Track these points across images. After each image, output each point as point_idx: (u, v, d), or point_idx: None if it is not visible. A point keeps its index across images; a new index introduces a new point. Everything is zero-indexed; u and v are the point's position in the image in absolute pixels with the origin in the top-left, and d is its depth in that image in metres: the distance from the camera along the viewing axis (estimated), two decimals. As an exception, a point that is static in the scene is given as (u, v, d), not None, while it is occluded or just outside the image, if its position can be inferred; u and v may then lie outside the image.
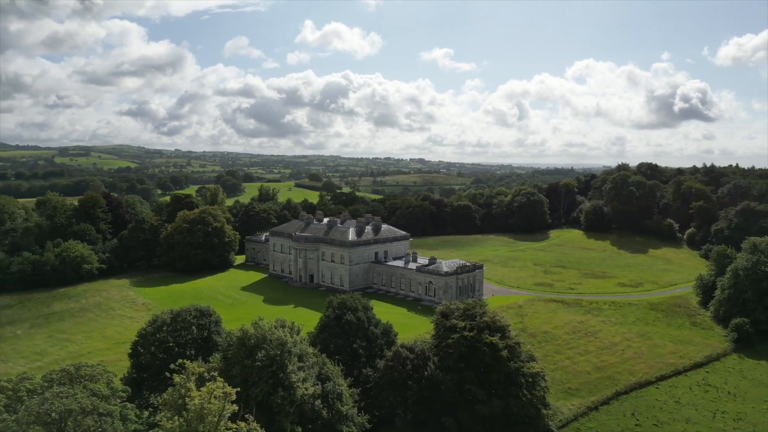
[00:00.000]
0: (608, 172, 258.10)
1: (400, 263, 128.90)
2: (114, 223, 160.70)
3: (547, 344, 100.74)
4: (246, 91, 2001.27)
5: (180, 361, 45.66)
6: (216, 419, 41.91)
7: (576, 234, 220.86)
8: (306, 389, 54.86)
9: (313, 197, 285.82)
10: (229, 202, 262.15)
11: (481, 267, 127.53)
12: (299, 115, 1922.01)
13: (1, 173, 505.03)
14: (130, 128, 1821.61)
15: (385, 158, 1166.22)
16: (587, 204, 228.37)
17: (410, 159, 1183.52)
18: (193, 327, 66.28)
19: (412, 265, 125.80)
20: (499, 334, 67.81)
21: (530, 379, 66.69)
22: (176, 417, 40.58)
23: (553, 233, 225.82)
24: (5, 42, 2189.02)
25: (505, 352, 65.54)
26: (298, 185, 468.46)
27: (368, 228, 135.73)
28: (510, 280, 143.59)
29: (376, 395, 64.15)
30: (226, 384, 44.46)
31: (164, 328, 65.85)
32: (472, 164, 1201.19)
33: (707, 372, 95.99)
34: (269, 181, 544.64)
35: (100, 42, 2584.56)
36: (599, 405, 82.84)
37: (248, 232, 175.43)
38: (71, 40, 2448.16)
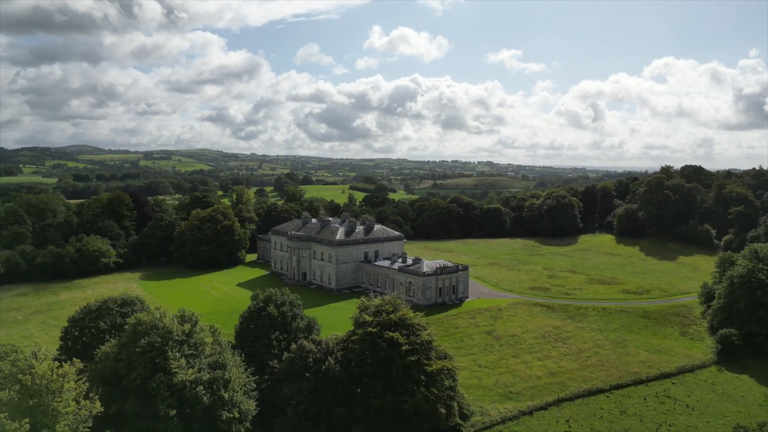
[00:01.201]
0: (649, 175, 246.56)
1: (386, 263, 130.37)
2: (139, 220, 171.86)
3: (509, 348, 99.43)
4: (317, 97, 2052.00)
5: (32, 340, 50.25)
6: (55, 395, 46.02)
7: (606, 239, 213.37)
8: (186, 375, 58.27)
9: (359, 198, 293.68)
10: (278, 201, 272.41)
11: (466, 269, 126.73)
12: (368, 119, 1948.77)
13: (84, 175, 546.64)
14: (211, 133, 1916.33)
15: (452, 161, 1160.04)
16: (620, 208, 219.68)
17: (478, 162, 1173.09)
18: (115, 314, 71.62)
19: (396, 265, 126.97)
20: (405, 331, 68.59)
21: (433, 377, 66.90)
22: (8, 389, 45.08)
23: (583, 238, 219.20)
24: (100, 55, 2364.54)
25: (405, 347, 66.29)
26: (352, 187, 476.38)
27: (359, 228, 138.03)
28: (506, 283, 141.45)
29: (276, 386, 66.75)
30: (73, 364, 48.68)
31: (90, 315, 71.56)
32: (543, 167, 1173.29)
33: (673, 383, 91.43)
34: (328, 183, 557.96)
35: (183, 53, 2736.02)
36: (535, 410, 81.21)
37: (269, 231, 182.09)
38: (158, 51, 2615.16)
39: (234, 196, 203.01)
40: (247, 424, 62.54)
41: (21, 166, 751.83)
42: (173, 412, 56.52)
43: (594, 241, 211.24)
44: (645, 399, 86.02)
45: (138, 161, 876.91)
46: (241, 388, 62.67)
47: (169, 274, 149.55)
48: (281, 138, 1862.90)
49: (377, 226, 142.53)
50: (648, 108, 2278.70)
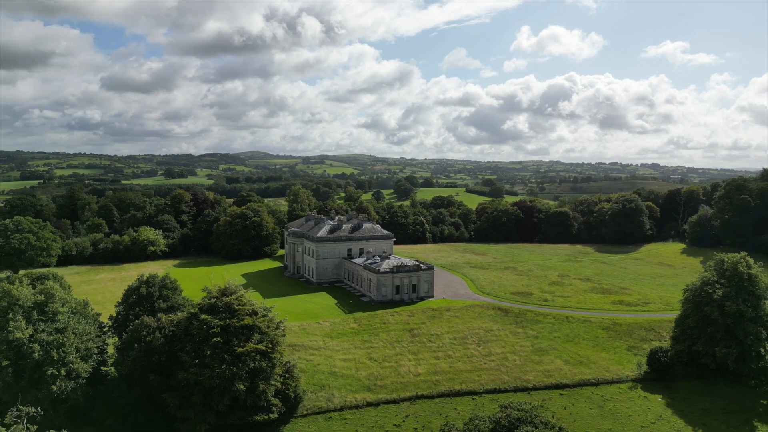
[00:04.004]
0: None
1: (359, 261, 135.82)
2: (196, 215, 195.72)
3: (417, 345, 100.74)
4: (465, 100, 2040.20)
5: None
6: None
7: (673, 248, 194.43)
8: (22, 334, 72.35)
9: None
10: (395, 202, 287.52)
11: (430, 268, 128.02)
12: (519, 121, 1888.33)
13: (234, 177, 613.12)
14: (366, 138, 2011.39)
15: (611, 163, 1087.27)
16: (695, 215, 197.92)
17: (641, 164, 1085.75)
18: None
19: (363, 263, 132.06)
20: (224, 315, 76.26)
21: (240, 357, 73.66)
22: None
23: (649, 246, 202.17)
24: (271, 71, 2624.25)
25: (214, 329, 74.03)
26: (468, 190, 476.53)
27: (346, 226, 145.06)
28: (492, 287, 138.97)
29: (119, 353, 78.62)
30: None
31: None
32: (721, 170, 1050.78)
33: (561, 394, 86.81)
34: (447, 186, 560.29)
35: (341, 65, 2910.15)
36: (385, 403, 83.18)
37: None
38: (319, 65, 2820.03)
39: (291, 196, 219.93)
40: (82, 382, 74.97)
41: (197, 169, 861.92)
42: (6, 363, 70.77)
43: (656, 251, 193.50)
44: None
45: (295, 165, 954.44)
46: (76, 352, 75.32)
47: (201, 262, 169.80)
48: (431, 142, 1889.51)
49: (366, 225, 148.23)
50: None
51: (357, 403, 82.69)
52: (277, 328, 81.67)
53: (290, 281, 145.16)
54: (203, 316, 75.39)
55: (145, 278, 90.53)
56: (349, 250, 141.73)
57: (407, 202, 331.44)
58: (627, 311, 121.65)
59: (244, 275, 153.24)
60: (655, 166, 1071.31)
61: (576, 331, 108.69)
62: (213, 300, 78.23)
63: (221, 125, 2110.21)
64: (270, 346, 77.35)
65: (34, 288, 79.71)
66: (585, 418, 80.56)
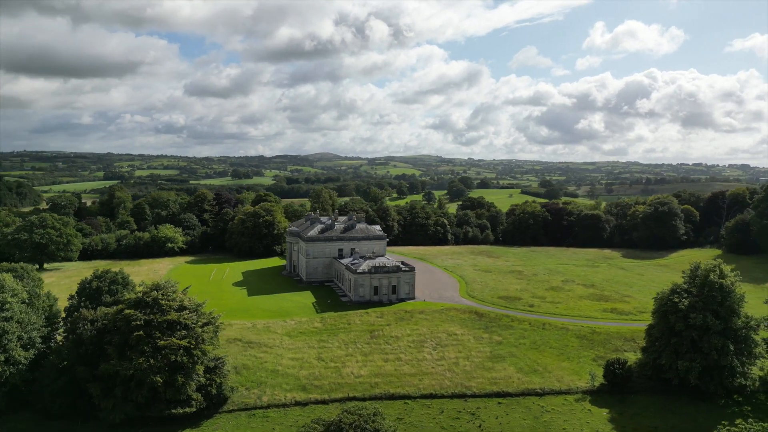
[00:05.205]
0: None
1: (345, 261, 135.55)
2: (218, 214, 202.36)
3: (372, 346, 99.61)
4: (536, 99, 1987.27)
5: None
6: None
7: (706, 255, 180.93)
8: (-33, 322, 77.90)
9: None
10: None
11: (411, 270, 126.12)
12: (594, 120, 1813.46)
13: (294, 178, 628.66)
14: (434, 139, 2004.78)
15: (695, 164, 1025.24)
16: (732, 220, 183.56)
17: (728, 165, 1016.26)
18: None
19: (347, 263, 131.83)
20: (149, 310, 78.69)
21: (161, 351, 75.78)
22: None
23: (681, 252, 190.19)
24: (340, 74, 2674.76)
25: (136, 323, 76.61)
26: (523, 192, 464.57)
27: (339, 225, 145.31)
28: (482, 290, 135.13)
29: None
30: None
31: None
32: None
33: (499, 403, 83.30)
34: (514, 187, 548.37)
35: (409, 67, 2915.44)
36: (313, 403, 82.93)
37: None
38: (387, 68, 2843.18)
39: (313, 196, 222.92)
40: (22, 368, 79.62)
41: (266, 170, 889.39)
42: (-48, 347, 76.44)
43: (687, 257, 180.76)
44: (442, 411, 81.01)
45: (360, 167, 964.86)
46: (18, 340, 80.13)
47: (213, 259, 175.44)
48: (501, 142, 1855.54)
49: (360, 225, 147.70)
50: None
51: (285, 401, 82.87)
52: (208, 324, 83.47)
53: (284, 280, 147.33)
54: (127, 311, 78.17)
55: (99, 273, 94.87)
56: (340, 250, 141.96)
57: (435, 204, 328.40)
58: (615, 320, 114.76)
59: (244, 272, 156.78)
60: (744, 167, 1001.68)
61: (546, 339, 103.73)
62: (141, 295, 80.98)
63: (294, 128, 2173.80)
64: (194, 342, 79.07)
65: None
66: (515, 428, 76.95)
